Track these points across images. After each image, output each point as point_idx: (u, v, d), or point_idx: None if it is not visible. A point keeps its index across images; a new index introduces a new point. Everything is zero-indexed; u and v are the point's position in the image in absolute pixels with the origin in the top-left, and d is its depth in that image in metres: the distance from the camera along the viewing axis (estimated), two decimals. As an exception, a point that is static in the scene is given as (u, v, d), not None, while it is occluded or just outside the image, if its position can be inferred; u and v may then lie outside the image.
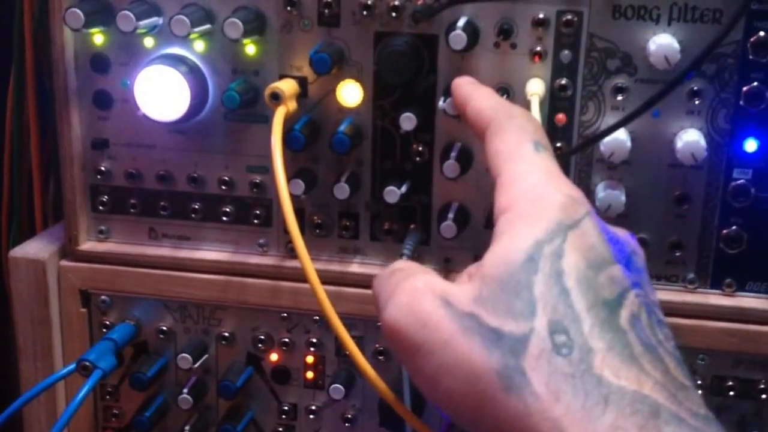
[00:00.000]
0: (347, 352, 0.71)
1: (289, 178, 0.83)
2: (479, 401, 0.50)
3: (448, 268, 0.88)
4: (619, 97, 0.80)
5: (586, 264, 0.51)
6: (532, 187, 0.56)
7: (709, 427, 0.47)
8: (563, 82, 0.81)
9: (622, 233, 0.58)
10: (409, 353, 0.53)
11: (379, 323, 0.87)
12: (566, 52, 0.80)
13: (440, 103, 0.80)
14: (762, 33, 0.77)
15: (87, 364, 0.86)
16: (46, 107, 1.02)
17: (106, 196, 0.92)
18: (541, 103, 0.80)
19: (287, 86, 0.81)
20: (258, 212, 0.90)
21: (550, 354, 0.48)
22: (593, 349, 0.48)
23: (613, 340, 0.49)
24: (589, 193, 0.83)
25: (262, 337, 0.93)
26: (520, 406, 0.48)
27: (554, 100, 0.82)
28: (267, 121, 0.86)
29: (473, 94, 0.69)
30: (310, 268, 0.74)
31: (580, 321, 0.49)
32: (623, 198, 0.82)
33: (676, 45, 0.77)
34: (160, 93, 0.83)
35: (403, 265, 0.60)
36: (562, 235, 0.52)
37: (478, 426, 0.51)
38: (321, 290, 0.74)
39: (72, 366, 0.86)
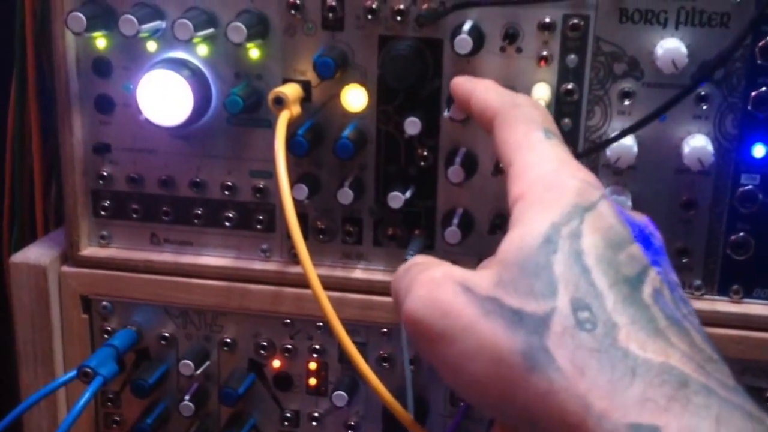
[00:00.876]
0: (350, 359, 0.71)
1: (293, 183, 0.83)
2: (504, 384, 0.50)
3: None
4: (626, 102, 0.80)
5: (605, 243, 0.51)
6: (545, 174, 0.56)
7: (739, 397, 0.46)
8: (569, 86, 0.80)
9: (639, 217, 0.59)
10: (431, 343, 0.53)
11: (382, 329, 0.88)
12: (572, 56, 0.80)
13: (445, 113, 0.79)
14: (770, 37, 0.77)
15: (88, 370, 0.85)
16: (47, 111, 1.02)
17: (107, 201, 0.92)
18: (547, 108, 0.79)
19: (291, 90, 0.81)
20: (261, 217, 0.89)
21: (574, 330, 0.48)
22: (617, 323, 0.48)
23: (637, 314, 0.48)
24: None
25: (265, 343, 0.92)
26: (545, 384, 0.48)
27: (560, 105, 0.81)
28: (270, 125, 0.86)
29: (475, 88, 0.69)
30: (313, 273, 0.74)
31: (603, 297, 0.49)
32: (629, 203, 0.81)
33: (683, 49, 0.76)
34: (163, 97, 0.83)
35: (420, 259, 0.60)
36: (579, 217, 0.52)
37: (504, 410, 0.51)
38: (323, 296, 0.73)
39: (73, 373, 0.86)
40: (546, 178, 0.56)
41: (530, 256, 0.51)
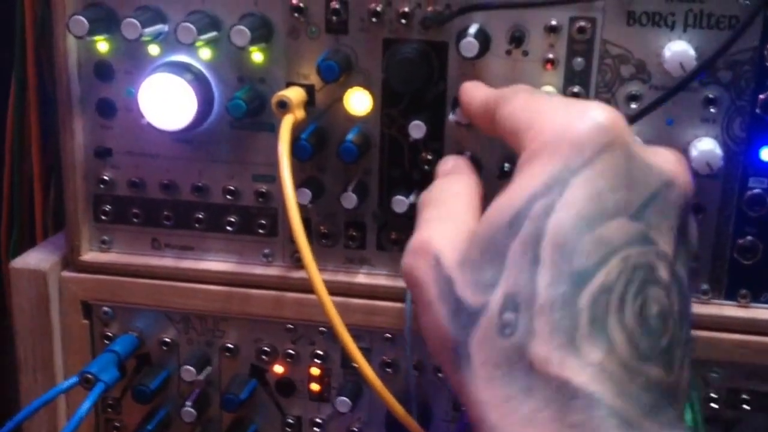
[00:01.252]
0: (355, 365, 0.71)
1: (296, 187, 0.82)
2: (447, 368, 0.53)
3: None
4: (633, 105, 0.79)
5: (576, 221, 0.49)
6: (550, 122, 0.53)
7: (630, 402, 0.46)
8: (575, 89, 0.79)
9: (660, 158, 0.54)
10: (414, 305, 0.58)
11: (386, 334, 0.87)
12: (579, 59, 0.79)
13: (450, 116, 0.79)
14: (779, 40, 0.76)
15: (89, 376, 0.85)
16: (46, 114, 1.01)
17: (108, 206, 0.91)
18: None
19: (294, 94, 0.80)
20: (263, 222, 0.89)
21: (495, 335, 0.49)
22: (535, 332, 0.47)
23: (561, 321, 0.47)
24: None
25: (267, 348, 0.92)
26: (463, 383, 0.51)
27: (566, 108, 0.81)
28: (273, 129, 0.85)
29: (482, 89, 0.69)
30: (318, 278, 0.73)
31: (535, 298, 0.48)
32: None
33: (691, 52, 0.75)
34: (166, 101, 0.82)
35: (438, 190, 0.65)
36: (562, 184, 0.50)
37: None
38: (328, 300, 0.72)
39: (74, 379, 0.85)
40: (553, 124, 0.53)
41: (494, 236, 0.51)
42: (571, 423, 0.45)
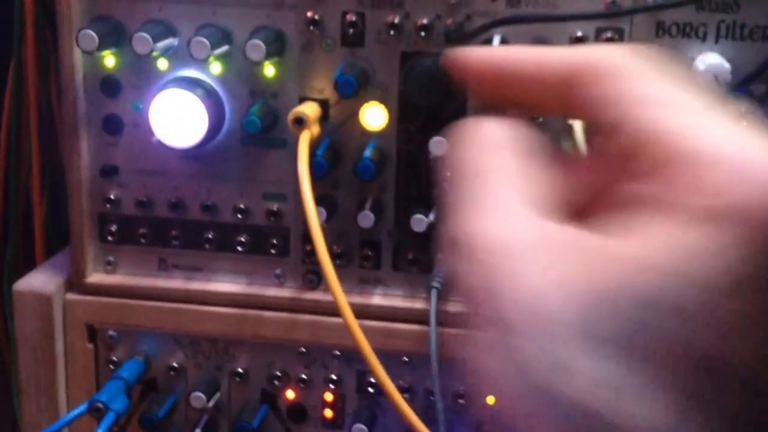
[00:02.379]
0: (376, 390, 0.68)
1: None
2: None
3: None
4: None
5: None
6: (709, 153, 0.31)
7: None
8: (602, 103, 0.77)
9: None
10: None
11: (403, 358, 0.85)
12: (606, 71, 0.77)
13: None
14: (814, 52, 0.74)
15: (100, 406, 0.82)
16: (42, 128, 0.98)
17: (114, 226, 0.88)
18: (579, 127, 0.76)
19: (310, 110, 0.78)
20: (275, 242, 0.86)
21: None
22: None
23: None
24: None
25: (278, 373, 0.89)
26: None
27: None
28: (285, 145, 0.83)
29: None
30: (344, 301, 0.70)
31: None
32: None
33: (726, 65, 0.73)
34: (177, 118, 0.79)
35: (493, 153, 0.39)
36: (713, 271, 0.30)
37: None
38: (354, 323, 0.70)
39: (83, 407, 0.83)
40: (707, 163, 0.31)
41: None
42: None
